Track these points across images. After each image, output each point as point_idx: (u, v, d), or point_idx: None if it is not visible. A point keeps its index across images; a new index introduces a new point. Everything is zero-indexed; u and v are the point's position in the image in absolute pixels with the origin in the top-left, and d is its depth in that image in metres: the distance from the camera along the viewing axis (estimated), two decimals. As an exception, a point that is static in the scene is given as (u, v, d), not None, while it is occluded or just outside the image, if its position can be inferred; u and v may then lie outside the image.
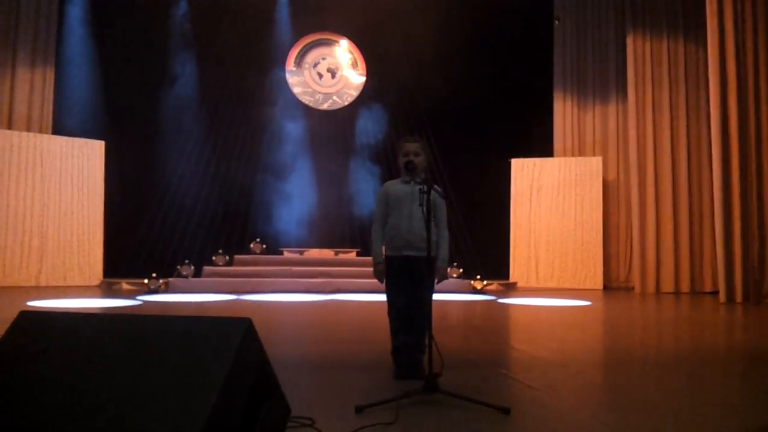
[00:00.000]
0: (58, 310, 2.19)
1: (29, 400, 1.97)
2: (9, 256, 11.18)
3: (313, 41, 14.40)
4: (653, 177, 12.42)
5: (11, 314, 2.31)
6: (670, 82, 12.51)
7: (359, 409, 3.06)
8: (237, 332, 2.03)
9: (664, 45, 12.56)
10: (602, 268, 12.82)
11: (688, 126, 12.45)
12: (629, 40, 12.65)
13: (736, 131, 10.25)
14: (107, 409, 1.87)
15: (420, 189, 3.50)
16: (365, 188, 13.15)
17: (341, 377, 4.01)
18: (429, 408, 3.15)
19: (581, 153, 13.58)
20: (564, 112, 13.77)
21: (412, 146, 4.05)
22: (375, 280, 4.20)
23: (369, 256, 4.02)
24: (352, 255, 13.01)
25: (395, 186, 4.11)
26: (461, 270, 12.33)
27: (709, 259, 12.18)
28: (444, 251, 4.03)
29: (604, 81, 13.65)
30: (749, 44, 10.46)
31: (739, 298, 10.09)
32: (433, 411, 3.11)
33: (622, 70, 13.16)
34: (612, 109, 13.54)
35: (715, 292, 11.20)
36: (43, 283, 11.37)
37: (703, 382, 4.08)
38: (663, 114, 12.49)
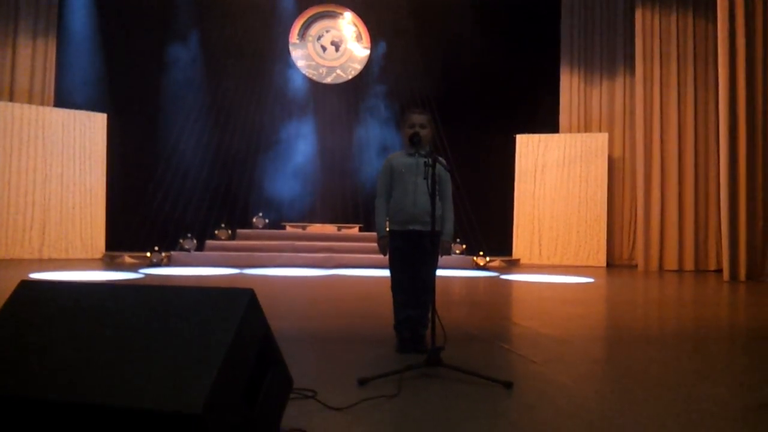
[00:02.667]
0: (58, 280, 2.19)
1: (31, 368, 1.96)
2: (11, 229, 11.18)
3: (317, 13, 14.25)
4: (659, 154, 12.33)
5: (12, 286, 2.28)
6: (678, 58, 12.36)
7: (362, 382, 3.05)
8: (240, 303, 2.01)
9: (673, 20, 12.40)
10: (606, 245, 12.80)
11: (695, 103, 12.33)
12: (638, 15, 12.49)
13: (744, 108, 10.15)
14: (110, 378, 1.85)
15: (425, 162, 3.45)
16: (368, 163, 13.11)
17: (344, 350, 4.00)
18: (431, 381, 3.14)
19: (587, 129, 13.49)
20: (570, 87, 13.65)
21: (418, 118, 3.98)
22: (377, 256, 4.17)
23: (371, 231, 4.00)
24: (354, 230, 13.01)
25: (399, 159, 4.05)
26: (464, 246, 12.32)
27: (713, 237, 12.14)
28: (449, 226, 3.99)
29: (612, 56, 13.51)
30: (759, 20, 10.31)
31: (743, 276, 10.07)
32: (436, 384, 3.10)
33: (630, 45, 13.01)
34: (619, 84, 13.41)
35: (719, 271, 11.18)
36: (45, 256, 11.39)
37: (706, 358, 4.07)
38: (671, 90, 12.36)
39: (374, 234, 4.18)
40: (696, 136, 12.31)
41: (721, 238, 10.77)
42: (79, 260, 11.38)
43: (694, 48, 12.36)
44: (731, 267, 10.12)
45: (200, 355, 1.84)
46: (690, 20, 12.38)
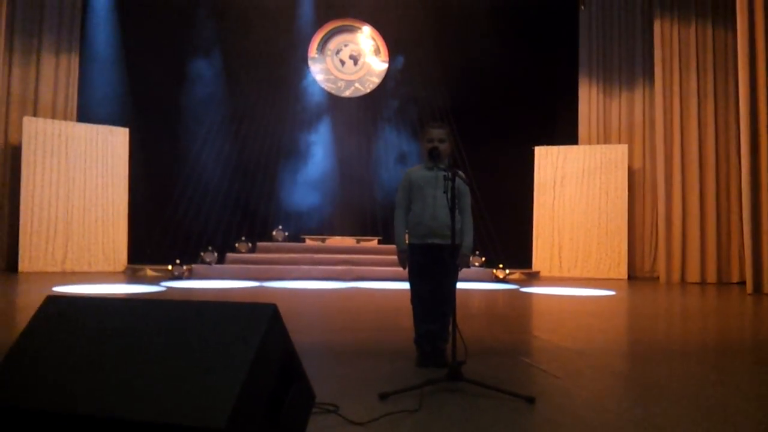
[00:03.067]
0: (83, 295, 2.21)
1: (56, 383, 1.98)
2: (35, 242, 11.32)
3: (335, 28, 14.35)
4: (680, 165, 12.23)
5: (37, 299, 2.32)
6: (698, 68, 12.28)
7: (383, 396, 3.05)
8: (263, 318, 2.02)
9: (692, 30, 12.33)
10: (627, 257, 12.69)
11: (716, 113, 12.22)
12: (656, 25, 12.43)
13: (765, 118, 10.02)
14: (134, 393, 1.87)
15: (444, 176, 3.46)
16: (387, 176, 13.13)
17: (365, 365, 4.00)
18: (453, 396, 3.13)
19: (606, 140, 13.42)
20: (589, 98, 13.60)
21: (437, 132, 3.99)
22: (396, 268, 4.18)
23: (390, 243, 4.00)
24: (373, 243, 13.01)
25: (418, 172, 4.07)
26: (483, 259, 12.28)
27: (736, 249, 11.99)
28: (468, 239, 3.99)
29: (631, 67, 13.45)
30: (780, 29, 10.23)
31: (766, 288, 9.92)
32: (457, 399, 3.09)
33: (648, 56, 12.95)
34: (638, 95, 13.34)
35: (742, 283, 11.04)
36: (68, 269, 11.52)
37: (730, 372, 4.02)
38: (690, 101, 12.27)
39: (393, 246, 4.19)
40: (717, 146, 12.20)
41: (743, 250, 10.64)
42: (101, 273, 11.49)
43: (714, 58, 12.27)
44: (754, 279, 9.98)
45: (224, 370, 1.85)
46: (709, 30, 12.31)
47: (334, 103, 14.05)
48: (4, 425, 2.02)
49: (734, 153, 11.93)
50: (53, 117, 11.95)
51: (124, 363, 1.98)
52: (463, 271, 3.98)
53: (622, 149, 12.97)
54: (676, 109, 12.28)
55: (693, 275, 12.06)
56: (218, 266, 11.58)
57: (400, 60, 14.05)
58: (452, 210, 3.41)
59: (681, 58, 12.32)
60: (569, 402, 3.12)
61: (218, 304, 2.12)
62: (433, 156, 3.89)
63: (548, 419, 2.82)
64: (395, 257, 4.18)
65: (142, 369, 1.94)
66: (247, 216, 12.96)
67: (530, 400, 3.03)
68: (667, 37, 12.38)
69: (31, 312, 2.28)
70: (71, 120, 12.14)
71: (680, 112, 12.27)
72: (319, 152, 13.37)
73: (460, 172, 3.56)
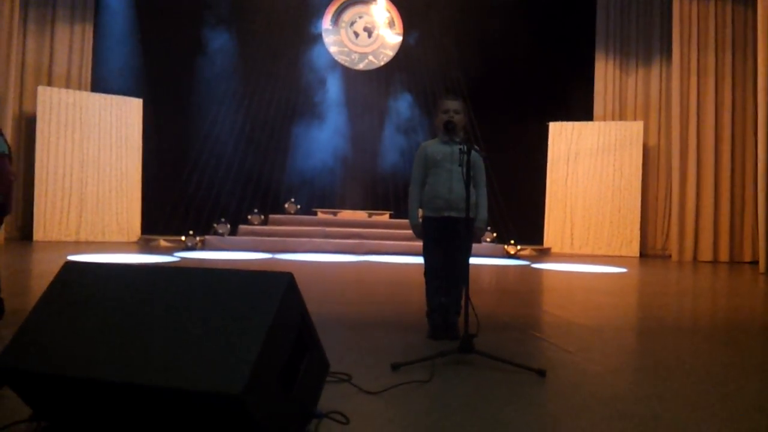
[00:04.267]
0: (102, 262, 2.25)
1: (74, 348, 2.01)
2: (49, 212, 11.42)
3: (350, -1, 14.23)
4: (695, 143, 12.13)
5: (53, 267, 2.35)
6: (716, 46, 12.13)
7: (395, 367, 3.08)
8: (279, 286, 2.04)
9: (711, 6, 12.15)
10: (639, 235, 12.66)
11: (733, 91, 12.09)
12: (675, 1, 12.24)
13: (785, 97, 9.92)
14: (152, 359, 1.90)
15: (460, 149, 3.45)
16: (399, 150, 13.10)
17: (377, 336, 4.03)
18: (464, 368, 3.16)
19: (622, 117, 13.32)
20: (605, 74, 13.48)
21: (452, 104, 3.98)
22: (407, 242, 4.26)
23: (401, 218, 3.99)
24: (385, 217, 13.03)
25: (434, 146, 4.06)
26: (495, 234, 12.27)
27: (749, 228, 11.94)
28: (483, 212, 4.00)
29: (648, 43, 13.29)
30: (802, 6, 10.06)
31: (779, 268, 9.89)
32: (469, 371, 3.11)
33: (666, 33, 12.80)
34: (655, 72, 13.21)
35: (755, 262, 11.00)
36: (82, 239, 11.62)
37: (740, 350, 4.02)
38: (708, 78, 12.14)
39: (404, 221, 4.21)
40: (733, 125, 12.09)
41: (757, 229, 10.58)
42: (115, 243, 11.58)
43: (733, 36, 12.11)
44: (767, 259, 9.94)
45: (241, 337, 1.88)
46: (729, 7, 12.13)
47: (348, 75, 13.98)
48: (23, 389, 2.05)
49: (750, 132, 11.81)
50: (67, 87, 11.97)
51: (142, 329, 2.00)
52: (475, 247, 4.00)
53: (637, 126, 12.86)
54: (693, 87, 12.15)
55: (705, 254, 12.03)
56: (231, 238, 11.65)
57: (415, 33, 13.93)
58: (467, 183, 3.41)
59: (699, 35, 12.16)
60: (580, 376, 3.14)
61: (236, 272, 2.14)
62: (448, 128, 3.88)
63: (559, 392, 2.84)
64: (407, 232, 4.20)
65: (159, 335, 1.96)
66: (259, 188, 13.01)
67: (541, 373, 3.05)
68: (686, 13, 12.21)
69: (47, 280, 2.31)
70: (85, 90, 12.16)
71: (697, 90, 12.14)
72: (331, 125, 13.34)
73: (476, 146, 3.55)
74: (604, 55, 13.47)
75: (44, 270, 7.19)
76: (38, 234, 11.28)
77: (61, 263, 2.37)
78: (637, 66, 13.35)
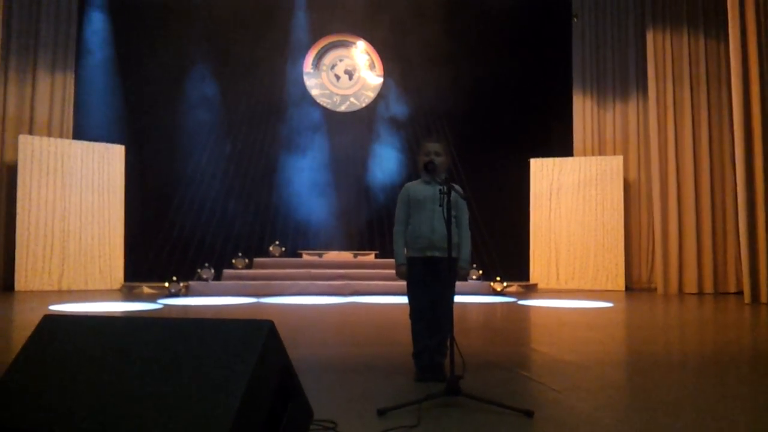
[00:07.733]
0: (81, 314, 2.19)
1: (54, 403, 1.97)
2: (31, 261, 11.28)
3: (330, 43, 14.42)
4: (675, 176, 12.27)
5: (34, 318, 2.31)
6: (691, 80, 12.35)
7: (381, 412, 3.03)
8: (260, 334, 2.02)
9: (685, 41, 12.41)
10: (624, 269, 12.70)
11: (710, 124, 12.29)
12: (649, 37, 12.51)
13: (760, 129, 10.08)
14: (132, 412, 1.86)
15: (440, 189, 3.47)
16: (383, 190, 13.14)
17: (363, 380, 3.98)
18: (451, 411, 3.12)
19: (601, 152, 13.47)
20: (583, 110, 13.67)
21: (433, 146, 4.03)
22: (393, 282, 4.22)
23: (387, 258, 4.01)
24: (370, 257, 13.01)
25: (416, 187, 4.10)
26: (481, 272, 12.27)
27: (732, 258, 12.01)
28: (465, 252, 4.01)
29: (624, 79, 13.52)
30: (772, 40, 10.30)
31: (764, 298, 9.93)
32: (456, 414, 3.08)
33: (642, 68, 13.03)
34: (632, 107, 13.41)
35: (740, 293, 11.04)
36: (64, 288, 11.47)
37: (730, 383, 4.01)
38: (684, 112, 12.33)
39: (390, 261, 4.20)
40: (711, 156, 12.25)
41: (740, 260, 10.65)
42: (98, 291, 11.45)
43: (707, 69, 12.34)
44: (752, 289, 10.00)
45: (222, 388, 1.85)
46: (702, 41, 12.39)
47: (330, 118, 14.09)
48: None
49: (729, 163, 11.97)
50: (49, 135, 11.94)
51: (122, 382, 1.97)
52: (461, 284, 3.99)
53: (617, 161, 13.01)
54: (670, 120, 12.33)
55: (690, 286, 12.07)
56: (215, 283, 11.55)
57: (395, 74, 14.10)
58: (448, 223, 3.43)
59: (674, 70, 12.39)
60: (568, 415, 3.11)
61: (215, 322, 2.12)
62: (429, 169, 3.91)
63: (548, 433, 2.81)
64: (392, 271, 4.18)
65: (140, 388, 1.93)
66: (243, 232, 12.96)
67: (529, 414, 3.01)
68: (659, 48, 12.45)
69: (28, 331, 2.27)
70: (67, 138, 12.13)
71: (674, 123, 12.31)
72: (314, 167, 13.39)
73: (457, 186, 3.57)
74: (582, 91, 13.68)
75: (26, 321, 7.08)
76: (20, 284, 11.12)
77: (42, 314, 2.34)
78: (614, 101, 13.56)
